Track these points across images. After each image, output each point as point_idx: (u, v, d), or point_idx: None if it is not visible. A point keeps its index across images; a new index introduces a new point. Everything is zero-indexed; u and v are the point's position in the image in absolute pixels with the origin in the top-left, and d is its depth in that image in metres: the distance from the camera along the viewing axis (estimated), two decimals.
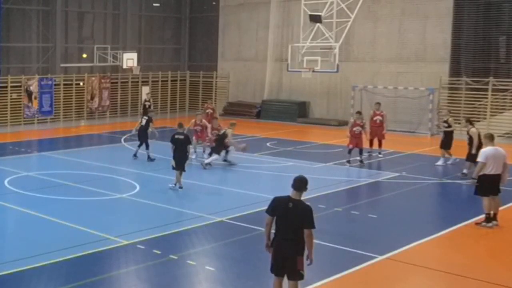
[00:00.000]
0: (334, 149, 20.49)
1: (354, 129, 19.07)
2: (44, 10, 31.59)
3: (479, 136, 16.82)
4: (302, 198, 8.04)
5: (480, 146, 16.89)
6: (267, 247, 8.21)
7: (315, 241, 7.97)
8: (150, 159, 19.81)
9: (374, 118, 20.84)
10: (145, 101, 27.26)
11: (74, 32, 33.39)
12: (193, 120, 20.37)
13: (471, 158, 16.82)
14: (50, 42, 31.69)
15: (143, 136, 20.21)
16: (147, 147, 20.00)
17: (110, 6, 34.56)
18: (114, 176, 17.66)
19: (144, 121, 20.42)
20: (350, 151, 19.13)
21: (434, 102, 27.22)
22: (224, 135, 18.87)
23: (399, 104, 28.02)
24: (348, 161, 19.21)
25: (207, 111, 24.74)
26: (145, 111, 26.90)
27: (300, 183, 7.98)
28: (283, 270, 8.06)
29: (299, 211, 7.86)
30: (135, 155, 20.27)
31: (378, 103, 21.67)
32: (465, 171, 17.38)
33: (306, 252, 7.95)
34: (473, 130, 17.28)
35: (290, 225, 7.88)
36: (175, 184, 15.82)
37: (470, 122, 17.78)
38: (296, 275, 7.97)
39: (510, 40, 26.94)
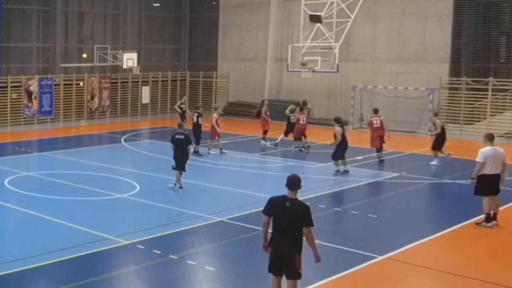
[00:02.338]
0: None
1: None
2: (44, 10, 31.60)
3: (342, 135, 17.82)
4: (300, 198, 8.05)
5: (339, 144, 17.76)
6: (264, 247, 8.22)
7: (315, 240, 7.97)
8: (196, 152, 20.62)
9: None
10: (181, 104, 26.87)
11: (74, 32, 33.41)
12: (214, 114, 21.33)
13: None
14: (50, 42, 31.69)
15: (197, 132, 21.25)
16: (197, 142, 20.96)
17: (110, 6, 34.57)
18: (114, 176, 17.66)
19: (195, 118, 21.49)
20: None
21: (434, 102, 27.22)
22: None
23: (399, 104, 28.00)
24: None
25: (268, 113, 24.02)
26: (182, 115, 26.02)
27: (294, 182, 8.00)
28: (281, 270, 8.07)
29: (297, 210, 7.87)
30: (197, 152, 20.87)
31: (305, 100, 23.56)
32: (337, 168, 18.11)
33: (305, 251, 7.95)
34: (336, 128, 17.99)
35: (288, 224, 7.89)
36: (175, 184, 15.83)
37: (336, 121, 18.22)
38: (295, 274, 7.97)
39: (510, 40, 26.97)
